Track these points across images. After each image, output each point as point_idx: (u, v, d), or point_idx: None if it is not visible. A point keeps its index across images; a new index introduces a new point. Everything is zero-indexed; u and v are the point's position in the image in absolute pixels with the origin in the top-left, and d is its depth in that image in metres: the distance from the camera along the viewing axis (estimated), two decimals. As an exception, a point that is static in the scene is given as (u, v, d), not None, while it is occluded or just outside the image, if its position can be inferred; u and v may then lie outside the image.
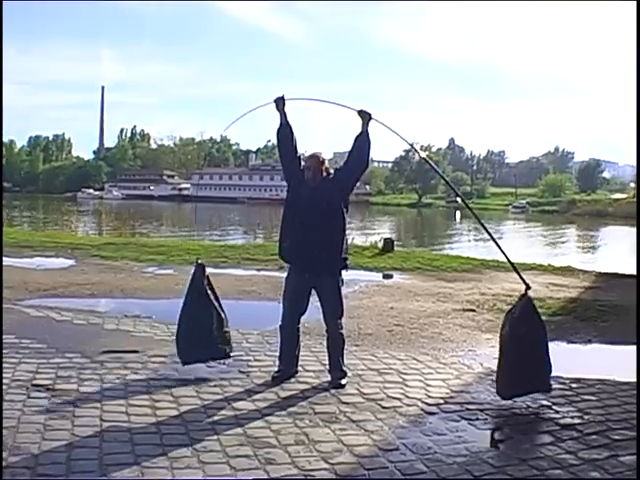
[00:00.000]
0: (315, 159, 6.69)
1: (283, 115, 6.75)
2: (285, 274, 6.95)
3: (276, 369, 6.80)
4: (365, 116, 6.63)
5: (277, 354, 6.91)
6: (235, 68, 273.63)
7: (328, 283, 6.65)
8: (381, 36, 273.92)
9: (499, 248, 6.96)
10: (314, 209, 6.46)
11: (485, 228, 7.40)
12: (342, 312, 6.79)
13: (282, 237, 6.78)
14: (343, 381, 6.58)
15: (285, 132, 6.77)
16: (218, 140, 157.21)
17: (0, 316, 7.89)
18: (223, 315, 6.92)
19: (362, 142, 6.64)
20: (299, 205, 6.59)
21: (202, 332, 6.71)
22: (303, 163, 6.73)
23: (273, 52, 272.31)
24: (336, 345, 6.74)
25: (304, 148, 6.89)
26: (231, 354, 7.01)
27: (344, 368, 6.74)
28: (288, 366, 6.77)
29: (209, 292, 6.92)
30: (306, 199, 6.53)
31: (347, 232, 6.73)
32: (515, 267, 6.81)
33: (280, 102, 6.74)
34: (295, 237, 6.58)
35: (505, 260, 7.05)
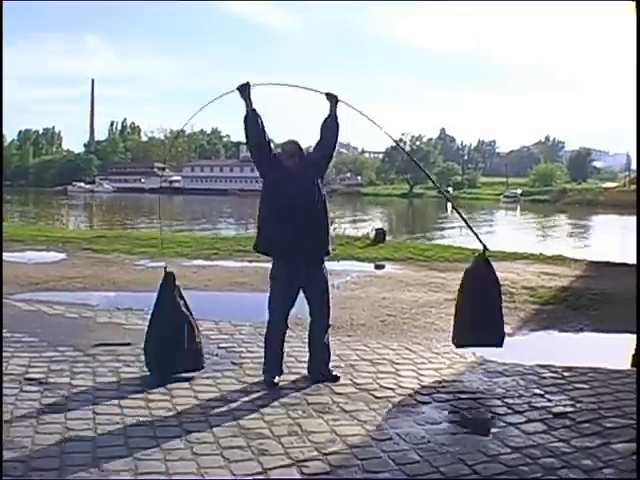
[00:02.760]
0: (295, 145, 6.52)
1: (249, 103, 6.50)
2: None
3: (274, 378, 6.42)
4: (332, 99, 6.59)
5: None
6: (227, 61, 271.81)
7: (315, 274, 6.49)
8: (374, 28, 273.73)
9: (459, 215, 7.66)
10: (297, 198, 6.27)
11: (461, 215, 7.83)
12: (329, 300, 6.62)
13: (263, 232, 6.51)
14: (338, 373, 6.58)
15: (252, 122, 6.48)
16: (208, 132, 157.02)
17: (0, 313, 7.87)
18: (195, 326, 6.61)
19: (331, 123, 6.60)
20: (280, 197, 6.34)
21: (176, 346, 6.37)
22: (278, 152, 6.56)
23: (264, 44, 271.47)
24: (324, 338, 6.61)
25: (290, 136, 6.72)
26: (204, 365, 6.65)
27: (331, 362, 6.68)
28: (276, 369, 6.50)
29: (181, 303, 6.57)
30: (287, 189, 6.31)
31: (336, 221, 6.69)
32: (473, 230, 7.11)
33: (245, 89, 6.50)
34: (280, 230, 6.29)
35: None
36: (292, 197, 6.29)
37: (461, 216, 7.73)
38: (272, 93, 7.12)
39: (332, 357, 6.73)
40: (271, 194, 6.44)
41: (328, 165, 6.80)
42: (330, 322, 6.70)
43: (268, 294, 6.57)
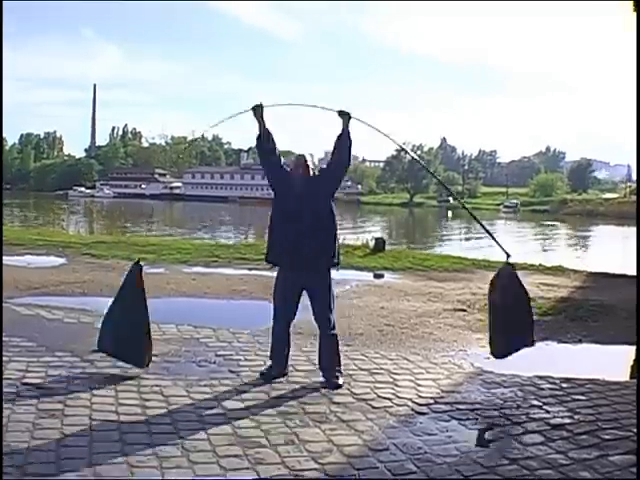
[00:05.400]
0: (300, 158, 6.77)
1: (262, 124, 6.76)
2: (275, 274, 6.95)
3: (266, 367, 6.83)
4: (345, 116, 6.72)
5: (267, 354, 6.91)
6: (228, 66, 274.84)
7: (318, 282, 6.66)
8: (376, 36, 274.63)
9: (485, 230, 7.94)
10: (303, 210, 6.50)
11: (478, 221, 8.05)
12: (332, 311, 6.78)
13: (271, 242, 6.80)
14: (340, 380, 6.60)
15: (265, 144, 6.79)
16: (209, 139, 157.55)
17: (0, 316, 7.83)
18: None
19: (343, 141, 6.74)
20: (288, 208, 6.61)
21: (133, 333, 6.73)
22: (289, 166, 6.82)
23: (267, 52, 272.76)
24: (329, 346, 6.75)
25: (300, 147, 6.95)
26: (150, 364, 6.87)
27: (338, 367, 6.75)
28: (278, 365, 6.77)
29: (145, 297, 6.99)
30: (295, 201, 6.57)
31: (338, 231, 6.75)
32: (495, 239, 7.53)
33: (258, 110, 6.74)
34: (286, 240, 6.55)
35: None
36: (295, 206, 6.55)
37: (484, 228, 8.14)
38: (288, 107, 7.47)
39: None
40: (278, 204, 6.75)
41: (340, 180, 6.93)
42: (334, 332, 6.82)
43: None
